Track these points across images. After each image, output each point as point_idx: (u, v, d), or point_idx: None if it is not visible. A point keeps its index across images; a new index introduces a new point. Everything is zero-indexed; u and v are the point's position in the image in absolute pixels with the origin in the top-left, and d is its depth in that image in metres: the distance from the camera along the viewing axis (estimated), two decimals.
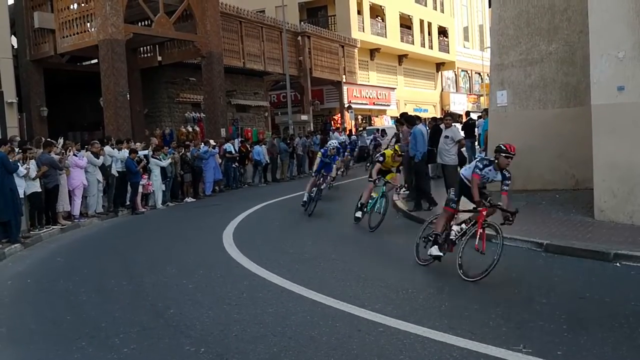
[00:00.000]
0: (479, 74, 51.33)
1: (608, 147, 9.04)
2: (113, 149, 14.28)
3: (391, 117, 37.18)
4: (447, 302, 5.82)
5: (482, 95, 48.66)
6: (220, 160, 18.27)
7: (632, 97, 8.75)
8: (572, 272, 6.44)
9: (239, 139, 22.38)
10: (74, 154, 12.74)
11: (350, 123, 32.87)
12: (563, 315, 5.23)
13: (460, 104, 46.23)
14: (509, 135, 12.56)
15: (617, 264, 6.98)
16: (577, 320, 5.13)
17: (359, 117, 36.23)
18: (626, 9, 8.75)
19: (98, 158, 13.29)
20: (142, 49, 24.88)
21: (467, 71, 51.30)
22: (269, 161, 20.83)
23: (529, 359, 4.32)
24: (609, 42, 8.96)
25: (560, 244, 7.63)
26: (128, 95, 19.57)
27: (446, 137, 11.28)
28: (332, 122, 33.10)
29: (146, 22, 22.29)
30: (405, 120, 12.61)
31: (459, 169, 12.71)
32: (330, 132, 27.42)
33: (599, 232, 8.33)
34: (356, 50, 34.91)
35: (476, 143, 18.43)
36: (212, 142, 18.51)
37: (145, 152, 15.10)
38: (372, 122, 37.00)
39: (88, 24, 20.10)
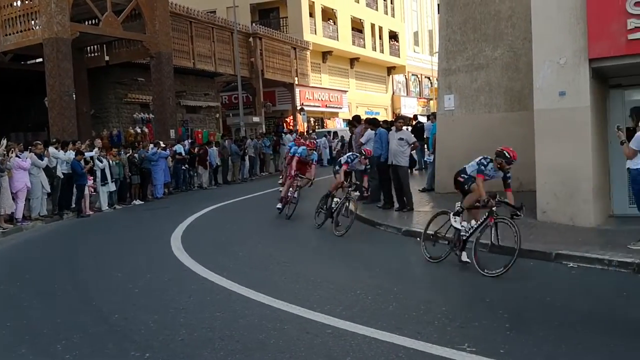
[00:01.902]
0: (429, 78, 52.15)
1: (550, 151, 9.32)
2: (58, 150, 13.90)
3: (343, 119, 37.37)
4: (395, 303, 5.89)
5: (431, 99, 49.44)
6: (170, 163, 18.02)
7: (573, 102, 9.05)
8: (514, 272, 6.59)
9: (189, 141, 22.11)
10: (17, 156, 12.35)
11: (302, 125, 32.89)
12: (505, 315, 5.37)
13: (410, 107, 46.82)
14: (456, 138, 12.86)
15: (559, 264, 7.21)
16: (519, 319, 5.28)
17: (312, 119, 36.28)
18: (568, 17, 9.04)
19: (42, 159, 12.92)
20: (89, 48, 24.24)
21: (417, 75, 52.08)
22: (219, 163, 20.67)
23: (473, 358, 4.41)
24: (551, 49, 9.24)
25: (503, 244, 7.79)
26: (74, 96, 19.02)
27: (401, 139, 11.44)
28: (285, 124, 33.05)
29: (93, 21, 21.72)
30: (368, 122, 12.92)
31: (409, 171, 12.97)
32: (283, 134, 27.42)
33: (541, 233, 8.57)
34: (308, 53, 34.94)
35: (425, 146, 18.73)
36: (161, 143, 18.23)
37: (92, 153, 14.75)
38: (325, 124, 37.14)
39: (32, 22, 19.50)
